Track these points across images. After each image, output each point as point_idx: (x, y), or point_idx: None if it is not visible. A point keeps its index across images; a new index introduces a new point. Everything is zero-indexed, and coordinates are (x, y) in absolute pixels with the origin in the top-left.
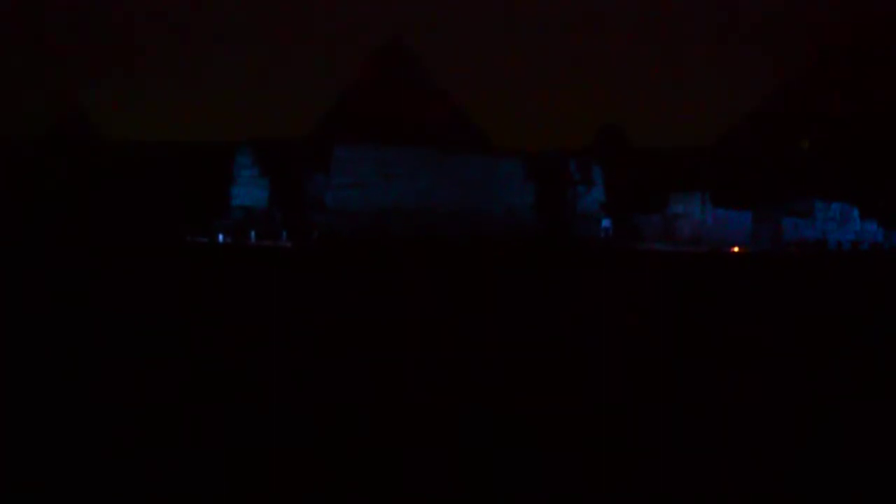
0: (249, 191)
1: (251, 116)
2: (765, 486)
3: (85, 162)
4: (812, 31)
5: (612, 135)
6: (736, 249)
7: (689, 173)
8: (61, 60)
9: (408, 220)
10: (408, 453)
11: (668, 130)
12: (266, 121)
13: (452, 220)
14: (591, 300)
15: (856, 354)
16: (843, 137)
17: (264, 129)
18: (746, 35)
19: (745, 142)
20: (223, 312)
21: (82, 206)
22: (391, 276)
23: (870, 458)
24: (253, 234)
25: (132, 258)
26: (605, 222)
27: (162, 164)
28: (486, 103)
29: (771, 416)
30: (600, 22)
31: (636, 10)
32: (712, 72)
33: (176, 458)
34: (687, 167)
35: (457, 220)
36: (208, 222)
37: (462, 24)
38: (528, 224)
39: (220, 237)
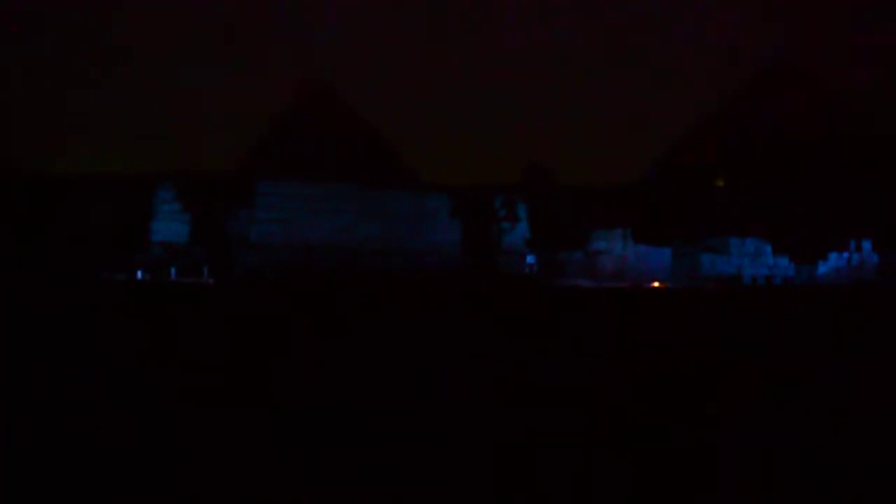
0: (170, 226)
1: (173, 150)
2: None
3: None
4: (722, 73)
5: (537, 172)
6: (656, 284)
7: (611, 211)
8: None
9: (333, 256)
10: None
11: (591, 169)
12: (188, 155)
13: (378, 255)
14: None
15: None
16: (755, 176)
17: (186, 162)
18: (662, 78)
19: (664, 180)
20: (123, 358)
21: None
22: (309, 315)
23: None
24: (173, 270)
25: (37, 297)
26: (530, 258)
27: (77, 197)
28: (413, 139)
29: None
30: (524, 62)
31: (559, 52)
32: (631, 113)
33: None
34: (608, 205)
35: (382, 256)
36: (126, 258)
37: (388, 59)
38: (453, 259)
39: (139, 274)
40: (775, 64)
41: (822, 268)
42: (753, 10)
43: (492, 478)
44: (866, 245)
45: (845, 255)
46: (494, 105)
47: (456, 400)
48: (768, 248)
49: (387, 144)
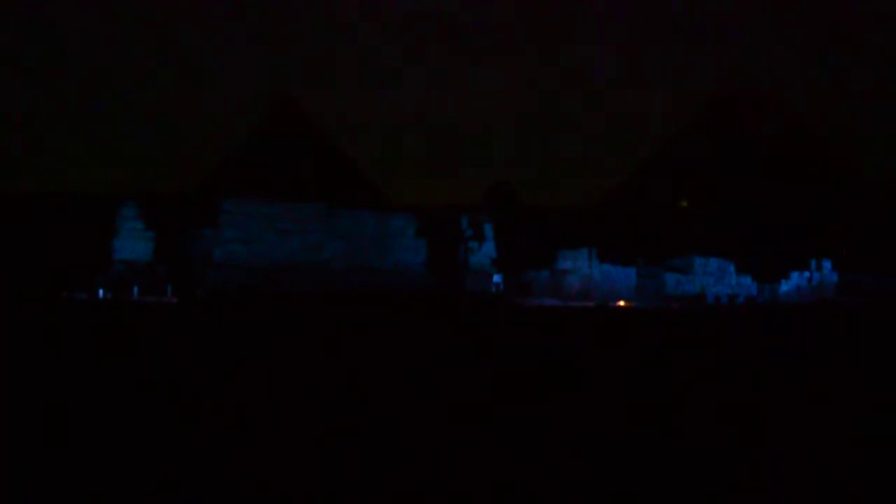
0: (133, 244)
1: (137, 168)
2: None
3: None
4: (687, 95)
5: (502, 192)
6: (622, 303)
7: (577, 231)
8: None
9: (297, 275)
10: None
11: (557, 189)
12: (152, 173)
13: (343, 275)
14: (479, 349)
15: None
16: (718, 197)
17: (150, 181)
18: (627, 100)
19: (629, 201)
20: (82, 379)
21: None
22: (272, 334)
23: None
24: (136, 289)
25: None
26: (497, 277)
27: (38, 215)
28: (378, 159)
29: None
30: (491, 83)
31: (525, 75)
32: (598, 136)
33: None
34: (574, 225)
35: (347, 276)
36: (88, 277)
37: (354, 79)
38: (419, 279)
39: (101, 292)
40: (739, 88)
41: (784, 287)
42: (716, 34)
43: (458, 499)
44: (826, 265)
45: (806, 274)
46: (460, 127)
47: (423, 420)
48: (732, 268)
49: (352, 164)
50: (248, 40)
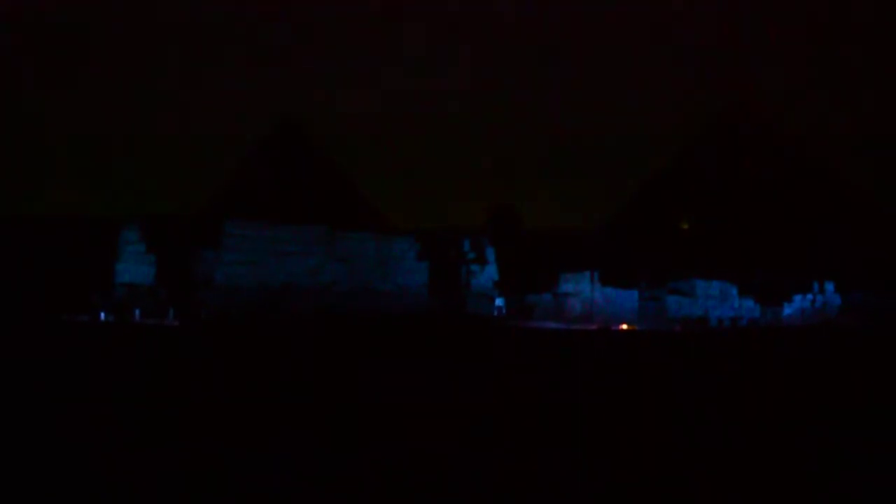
0: (134, 267)
1: (138, 191)
2: None
3: None
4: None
5: (504, 215)
6: (625, 326)
7: (579, 254)
8: None
9: (299, 298)
10: None
11: (558, 212)
12: (154, 196)
13: (345, 298)
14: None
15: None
16: (720, 219)
17: (152, 204)
18: (631, 121)
19: (630, 223)
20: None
21: None
22: (274, 356)
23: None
24: (138, 312)
25: None
26: (499, 301)
27: (39, 238)
28: (380, 182)
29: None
30: (488, 105)
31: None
32: (599, 157)
33: None
34: (576, 248)
35: (349, 299)
36: (90, 299)
37: (355, 101)
38: (421, 302)
39: (102, 315)
40: (740, 108)
41: (787, 309)
42: (717, 53)
43: None
44: (829, 286)
45: (809, 296)
46: (461, 148)
47: (427, 442)
48: (734, 291)
49: (354, 187)
50: (251, 59)
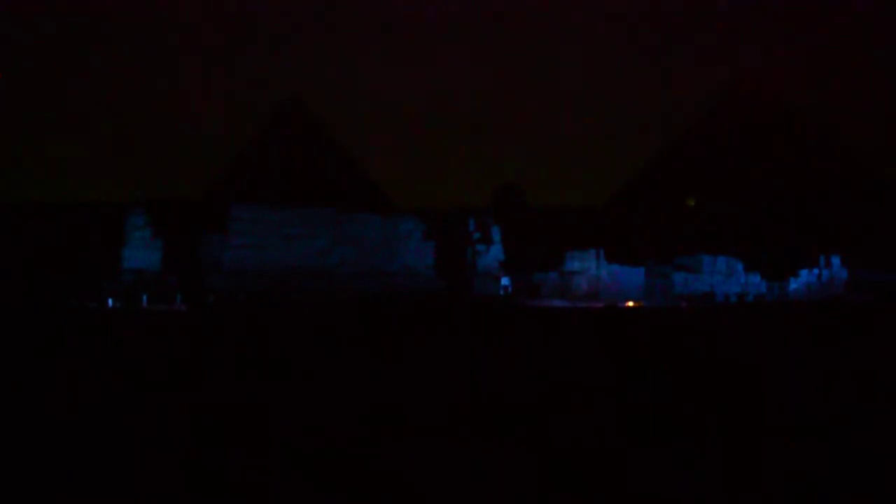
0: (141, 253)
1: (144, 176)
2: None
3: None
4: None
5: (510, 194)
6: (631, 304)
7: (584, 231)
8: None
9: (306, 281)
10: None
11: (563, 190)
12: (160, 181)
13: (352, 280)
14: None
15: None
16: (726, 195)
17: (158, 189)
18: (635, 97)
19: (636, 200)
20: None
21: None
22: (283, 340)
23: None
24: (145, 297)
25: (5, 325)
26: (505, 280)
27: (46, 224)
28: (386, 162)
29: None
30: (494, 85)
31: (529, 77)
32: (603, 135)
33: None
34: (581, 225)
35: (356, 280)
36: (97, 286)
37: (359, 82)
38: (427, 282)
39: (110, 301)
40: (745, 83)
41: (793, 284)
42: (721, 31)
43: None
44: (835, 261)
45: (815, 271)
46: (466, 127)
47: (435, 423)
48: (740, 266)
49: (359, 168)
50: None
